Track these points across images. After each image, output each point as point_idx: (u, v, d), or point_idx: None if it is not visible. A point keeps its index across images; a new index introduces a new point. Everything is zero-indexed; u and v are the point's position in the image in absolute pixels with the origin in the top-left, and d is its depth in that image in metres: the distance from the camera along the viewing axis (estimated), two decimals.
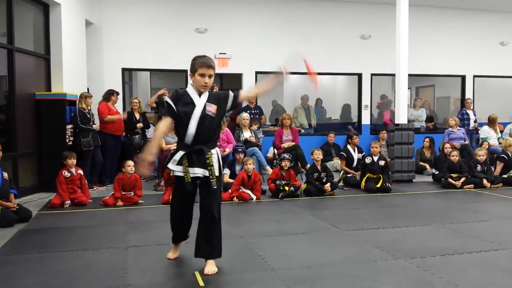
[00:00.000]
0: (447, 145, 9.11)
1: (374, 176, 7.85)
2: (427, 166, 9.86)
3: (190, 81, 3.84)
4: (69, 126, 7.87)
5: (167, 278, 3.70)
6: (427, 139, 10.27)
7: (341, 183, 8.22)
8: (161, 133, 3.80)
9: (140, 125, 8.83)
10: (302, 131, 11.06)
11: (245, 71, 10.51)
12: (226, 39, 10.38)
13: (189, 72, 3.81)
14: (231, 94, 3.77)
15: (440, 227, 5.23)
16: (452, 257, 4.10)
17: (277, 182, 7.20)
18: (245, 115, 9.16)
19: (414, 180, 8.89)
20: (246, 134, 8.95)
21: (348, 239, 4.79)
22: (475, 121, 11.22)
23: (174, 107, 3.65)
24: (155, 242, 4.64)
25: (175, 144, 4.02)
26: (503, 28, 12.39)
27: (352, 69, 11.40)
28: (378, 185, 7.70)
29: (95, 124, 8.12)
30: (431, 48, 11.65)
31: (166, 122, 3.71)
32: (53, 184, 6.70)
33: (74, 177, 6.68)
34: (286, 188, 7.14)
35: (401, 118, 8.85)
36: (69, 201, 6.52)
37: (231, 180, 7.31)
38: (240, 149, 7.79)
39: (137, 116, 8.88)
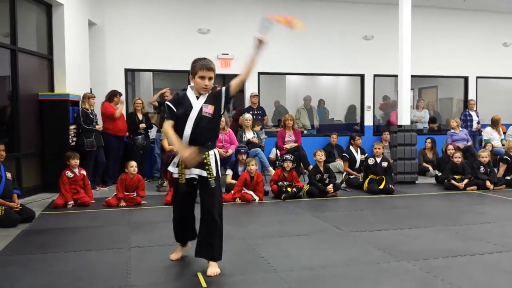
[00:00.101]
0: (450, 147, 9.09)
1: (377, 178, 7.84)
2: (430, 167, 9.85)
3: (191, 83, 3.85)
4: (72, 127, 7.89)
5: (170, 279, 3.71)
6: (428, 140, 10.27)
7: (343, 185, 8.22)
8: (171, 131, 3.73)
9: (143, 125, 8.85)
10: (305, 132, 11.06)
11: None
12: (228, 40, 10.38)
13: (190, 75, 3.82)
14: (223, 88, 3.78)
15: (443, 229, 5.22)
16: (455, 259, 4.09)
17: (280, 183, 7.19)
18: (248, 116, 9.16)
19: (417, 182, 8.87)
20: (249, 135, 8.95)
21: (350, 240, 4.78)
22: (478, 123, 11.19)
23: (175, 110, 3.69)
24: (158, 242, 4.65)
25: None
26: (506, 29, 12.36)
27: (354, 70, 11.39)
28: (381, 187, 7.69)
29: (98, 125, 8.14)
30: (434, 49, 11.63)
31: (170, 124, 3.72)
32: (56, 185, 6.71)
33: (77, 177, 6.70)
34: (289, 189, 7.13)
35: (404, 119, 8.85)
36: (72, 202, 6.54)
37: (234, 181, 7.31)
38: (243, 150, 7.79)
39: (140, 116, 8.90)
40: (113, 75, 9.77)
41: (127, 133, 8.74)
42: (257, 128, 9.30)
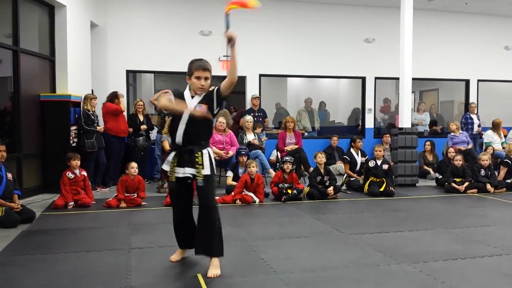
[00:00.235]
0: (451, 150, 9.09)
1: (378, 180, 7.84)
2: (431, 170, 9.85)
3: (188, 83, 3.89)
4: (73, 128, 7.90)
5: (170, 280, 3.71)
6: (428, 143, 10.30)
7: (344, 187, 8.22)
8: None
9: (144, 127, 8.86)
10: (306, 134, 11.07)
11: (249, 74, 10.52)
12: None
13: (186, 75, 3.86)
14: (215, 89, 3.82)
15: (443, 232, 5.22)
16: (455, 262, 4.09)
17: (280, 185, 7.19)
18: (249, 118, 9.17)
19: (417, 184, 8.87)
20: (250, 137, 8.96)
21: (351, 243, 4.78)
22: (479, 126, 11.19)
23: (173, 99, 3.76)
24: (158, 244, 4.65)
25: None
26: (507, 33, 12.37)
27: (356, 73, 11.40)
28: (382, 189, 7.69)
29: (99, 126, 8.15)
30: (435, 52, 11.65)
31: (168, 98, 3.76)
32: (57, 185, 6.71)
33: (77, 178, 6.70)
34: (289, 191, 7.13)
35: (405, 122, 8.85)
36: (73, 203, 6.54)
37: (234, 183, 7.31)
38: (244, 152, 7.80)
39: (141, 118, 8.92)
40: (114, 76, 9.79)
41: (131, 130, 8.76)
42: (258, 130, 9.31)
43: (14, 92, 7.22)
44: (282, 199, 7.05)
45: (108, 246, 4.61)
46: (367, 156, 9.06)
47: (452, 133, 10.14)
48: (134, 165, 6.84)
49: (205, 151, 3.76)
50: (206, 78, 3.75)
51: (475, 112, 11.37)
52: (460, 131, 10.29)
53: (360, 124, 11.77)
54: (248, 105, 10.39)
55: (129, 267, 3.94)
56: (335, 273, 3.80)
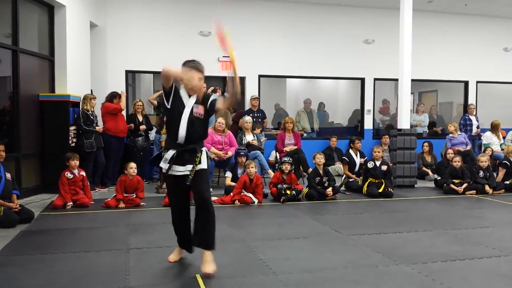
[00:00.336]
0: (450, 151, 9.10)
1: (376, 181, 7.85)
2: (429, 171, 9.87)
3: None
4: (72, 128, 7.89)
5: (169, 281, 3.71)
6: (426, 144, 10.32)
7: (343, 188, 8.22)
8: None
9: (143, 127, 8.86)
10: (305, 135, 11.07)
11: (249, 74, 10.52)
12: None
13: None
14: (213, 97, 3.87)
15: (442, 233, 5.22)
16: (453, 263, 4.10)
17: (279, 186, 7.20)
18: (248, 118, 9.17)
19: (416, 186, 8.88)
20: (249, 138, 8.96)
21: (349, 243, 4.78)
22: (477, 127, 11.20)
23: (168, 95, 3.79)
24: (156, 244, 4.65)
25: None
26: (506, 34, 12.38)
27: (355, 74, 11.41)
28: (380, 190, 7.69)
29: (98, 126, 8.14)
30: (434, 53, 11.66)
31: None
32: (56, 185, 6.71)
33: (76, 178, 6.70)
34: (288, 192, 7.14)
35: (404, 123, 8.86)
36: (71, 203, 6.54)
37: (233, 183, 7.31)
38: (243, 153, 7.80)
39: (140, 118, 8.91)
40: (113, 76, 9.78)
41: (132, 126, 8.75)
42: (257, 130, 9.31)
43: (13, 92, 7.22)
44: (281, 199, 7.05)
45: (106, 247, 4.61)
46: (366, 157, 9.07)
47: (451, 135, 10.16)
48: (133, 165, 6.84)
49: (204, 149, 3.85)
50: (199, 79, 3.79)
51: (474, 113, 11.38)
52: (459, 132, 10.30)
53: (359, 125, 11.78)
54: (247, 106, 10.39)
55: (127, 268, 3.94)
56: (334, 274, 3.80)
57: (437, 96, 14.84)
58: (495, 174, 8.52)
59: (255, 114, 9.89)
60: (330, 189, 7.33)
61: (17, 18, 7.19)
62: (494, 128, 10.63)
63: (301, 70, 11.05)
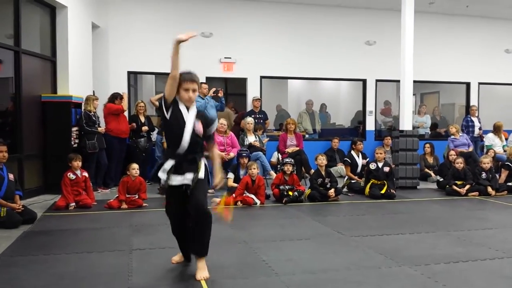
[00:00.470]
0: (452, 152, 9.09)
1: (379, 182, 7.84)
2: (432, 173, 9.86)
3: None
4: (74, 129, 7.91)
5: (171, 282, 3.70)
6: (427, 145, 10.31)
7: (345, 189, 8.21)
8: None
9: (145, 128, 8.87)
10: (307, 136, 11.06)
11: (250, 75, 10.53)
12: (231, 43, 10.40)
13: None
14: (210, 130, 3.90)
15: (444, 235, 5.21)
16: (456, 265, 4.09)
17: (281, 187, 7.20)
18: (250, 119, 9.18)
19: (418, 187, 8.87)
20: (251, 139, 8.97)
21: (352, 245, 4.78)
22: (480, 128, 11.18)
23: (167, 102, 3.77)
24: (159, 245, 4.65)
25: None
26: (508, 36, 12.38)
27: (357, 75, 11.41)
28: (383, 191, 7.69)
29: (100, 127, 8.16)
30: (436, 55, 11.66)
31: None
32: (58, 186, 6.73)
33: (79, 179, 6.71)
34: (290, 193, 7.13)
35: (406, 124, 8.85)
36: (74, 203, 6.55)
37: (235, 185, 7.31)
38: (245, 154, 7.80)
39: (142, 119, 8.93)
40: (115, 77, 9.79)
41: (134, 125, 8.76)
42: (259, 131, 9.32)
43: (15, 93, 7.23)
44: (283, 201, 7.05)
45: (109, 247, 4.62)
46: (368, 159, 9.07)
47: (453, 136, 10.15)
48: (135, 166, 6.85)
49: (203, 160, 3.84)
50: (194, 90, 3.80)
51: (476, 115, 11.36)
52: (461, 134, 10.29)
53: (361, 126, 11.78)
54: (249, 107, 10.40)
55: (130, 268, 3.94)
56: (336, 275, 3.80)
57: (439, 97, 14.83)
58: (497, 176, 8.50)
59: (257, 115, 9.89)
60: (332, 190, 7.33)
61: (19, 19, 7.20)
62: (497, 129, 10.61)
63: (303, 71, 11.05)
